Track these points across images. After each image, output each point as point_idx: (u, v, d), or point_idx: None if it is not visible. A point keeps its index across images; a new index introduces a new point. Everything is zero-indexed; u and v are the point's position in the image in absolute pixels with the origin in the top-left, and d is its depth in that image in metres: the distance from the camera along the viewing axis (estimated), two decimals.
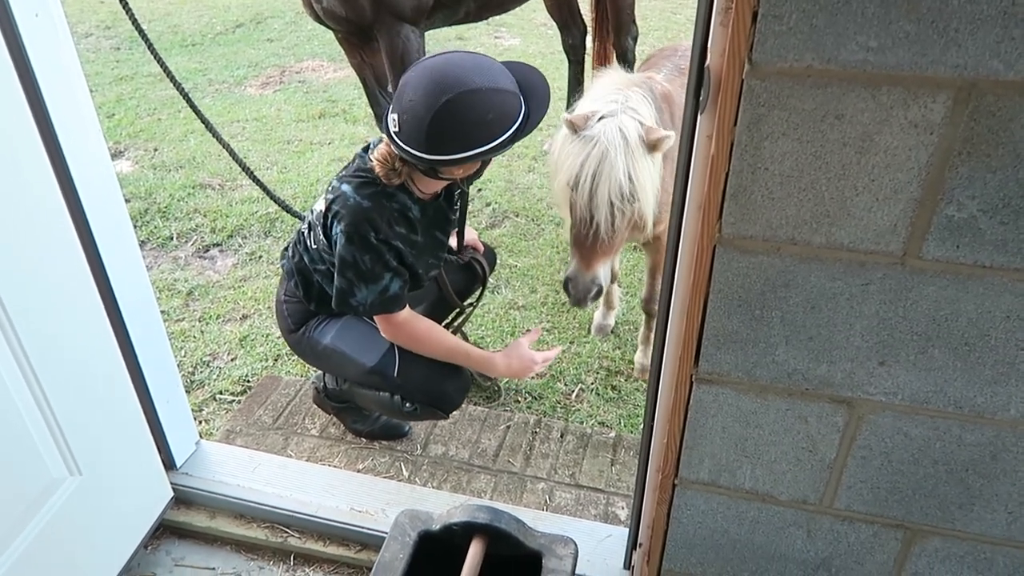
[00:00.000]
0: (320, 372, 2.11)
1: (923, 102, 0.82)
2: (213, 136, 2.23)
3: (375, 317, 1.78)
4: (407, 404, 1.86)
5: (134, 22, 1.89)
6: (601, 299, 2.56)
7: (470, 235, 2.24)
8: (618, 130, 1.78)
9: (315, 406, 2.21)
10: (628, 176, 1.78)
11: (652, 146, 1.80)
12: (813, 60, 0.82)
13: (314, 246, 1.77)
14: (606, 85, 1.98)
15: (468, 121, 1.47)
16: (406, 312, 1.76)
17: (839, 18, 0.80)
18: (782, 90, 0.85)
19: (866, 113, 0.84)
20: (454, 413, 2.02)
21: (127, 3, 1.86)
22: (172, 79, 2.03)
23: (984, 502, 1.09)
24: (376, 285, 1.67)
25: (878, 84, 0.82)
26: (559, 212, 2.25)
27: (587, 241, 1.88)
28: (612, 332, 2.70)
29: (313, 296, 1.87)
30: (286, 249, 1.95)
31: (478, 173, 1.74)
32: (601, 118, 1.82)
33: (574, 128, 1.84)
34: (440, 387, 1.85)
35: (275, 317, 2.02)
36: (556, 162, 1.94)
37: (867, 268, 0.94)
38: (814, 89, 0.84)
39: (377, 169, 1.62)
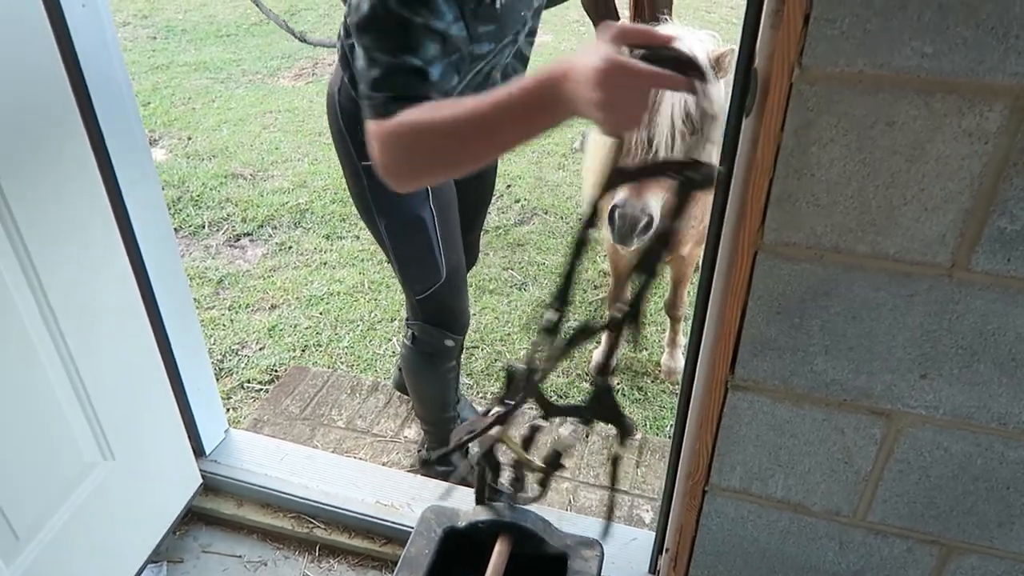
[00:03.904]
0: (423, 439, 1.99)
1: (979, 110, 0.80)
2: None
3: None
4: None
5: None
6: (604, 346, 2.44)
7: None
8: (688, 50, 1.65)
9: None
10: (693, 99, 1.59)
11: (716, 65, 1.60)
12: (865, 65, 0.81)
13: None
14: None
15: None
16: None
17: (894, 23, 0.78)
18: (832, 95, 0.83)
19: (918, 120, 0.82)
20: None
21: None
22: None
23: None
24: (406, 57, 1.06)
25: (932, 91, 0.80)
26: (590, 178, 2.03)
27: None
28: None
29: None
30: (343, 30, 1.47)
31: None
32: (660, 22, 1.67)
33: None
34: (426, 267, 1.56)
35: (326, 109, 1.55)
36: None
37: (913, 279, 0.92)
38: (865, 95, 0.82)
39: None
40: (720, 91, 1.63)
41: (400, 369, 2.05)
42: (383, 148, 1.01)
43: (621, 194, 1.70)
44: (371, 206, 1.51)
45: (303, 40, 2.47)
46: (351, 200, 1.59)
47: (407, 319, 1.73)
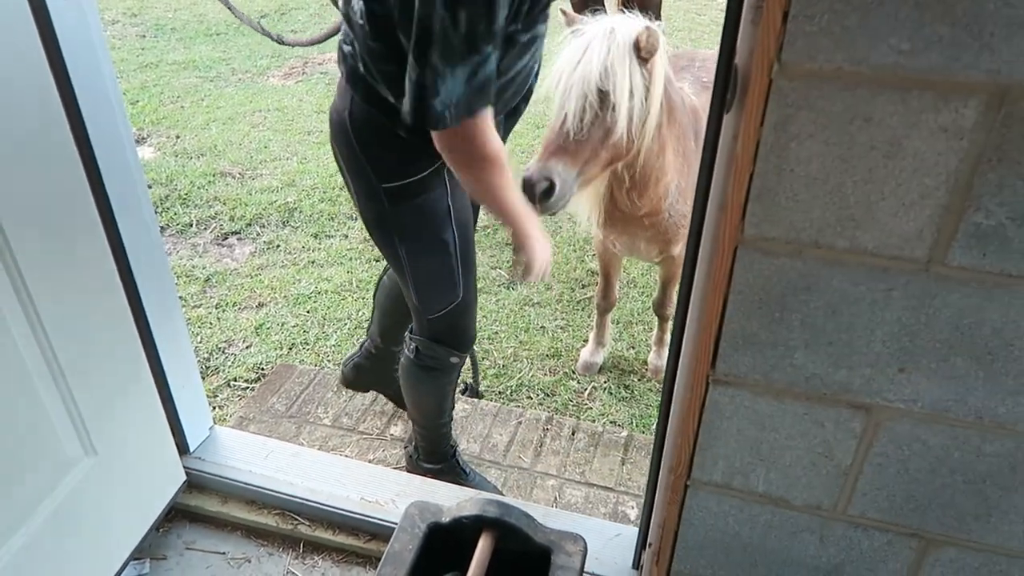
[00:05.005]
0: (411, 435, 1.95)
1: (954, 107, 0.81)
2: None
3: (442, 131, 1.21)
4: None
5: None
6: (591, 344, 2.49)
7: None
8: (609, 27, 1.70)
9: (408, 468, 1.99)
10: (603, 71, 1.67)
11: (646, 52, 1.68)
12: (843, 62, 0.82)
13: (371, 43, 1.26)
14: None
15: None
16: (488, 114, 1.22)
17: (871, 20, 0.79)
18: (811, 91, 0.84)
19: (895, 116, 0.83)
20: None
21: None
22: None
23: (1001, 513, 1.07)
24: (468, 62, 1.12)
25: (909, 87, 0.81)
26: None
27: (552, 136, 1.74)
28: (625, 333, 2.70)
29: (400, 120, 1.30)
30: (347, 50, 1.37)
31: None
32: (597, 14, 1.78)
33: (568, 20, 1.83)
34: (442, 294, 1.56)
35: (331, 132, 1.47)
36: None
37: (891, 274, 0.93)
38: (843, 91, 0.83)
39: None
40: (634, 72, 1.70)
41: (355, 367, 2.05)
42: (485, 143, 1.23)
43: (532, 160, 1.77)
44: (391, 230, 1.46)
45: (280, 42, 2.48)
46: (364, 224, 1.54)
47: (410, 331, 1.70)
